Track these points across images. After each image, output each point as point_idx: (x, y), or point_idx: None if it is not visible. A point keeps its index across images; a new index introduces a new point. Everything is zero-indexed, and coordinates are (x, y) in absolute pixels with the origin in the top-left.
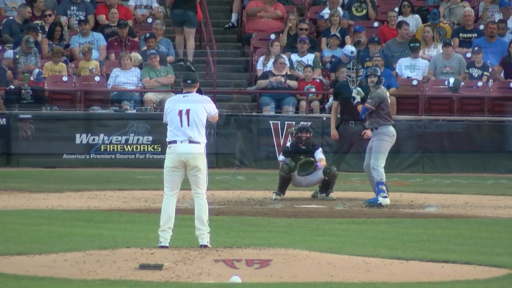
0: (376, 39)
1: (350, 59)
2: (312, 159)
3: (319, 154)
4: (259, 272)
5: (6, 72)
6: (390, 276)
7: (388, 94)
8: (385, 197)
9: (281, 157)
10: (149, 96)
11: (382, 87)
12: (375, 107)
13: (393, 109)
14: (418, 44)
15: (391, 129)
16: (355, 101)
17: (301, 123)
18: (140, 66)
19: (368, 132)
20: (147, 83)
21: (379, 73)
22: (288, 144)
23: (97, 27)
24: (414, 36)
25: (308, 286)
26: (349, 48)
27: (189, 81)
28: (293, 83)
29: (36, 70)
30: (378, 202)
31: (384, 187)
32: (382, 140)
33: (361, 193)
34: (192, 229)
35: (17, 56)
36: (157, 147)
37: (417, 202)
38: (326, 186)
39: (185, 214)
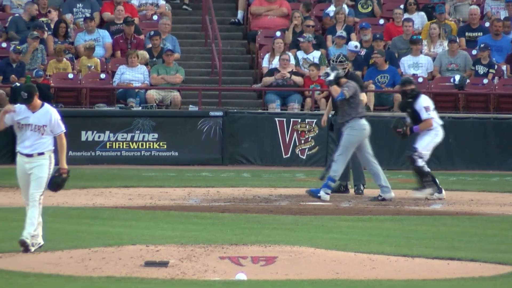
0: (378, 36)
1: (355, 53)
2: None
3: (423, 114)
4: (264, 269)
5: (13, 69)
6: (396, 273)
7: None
8: (328, 194)
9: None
10: (151, 93)
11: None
12: (349, 96)
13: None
14: (419, 37)
15: (362, 121)
16: (327, 79)
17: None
18: (147, 64)
19: None
20: (154, 79)
21: (336, 70)
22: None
23: (103, 24)
24: (419, 33)
25: (313, 283)
26: (353, 43)
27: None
28: (298, 79)
29: (36, 69)
30: (319, 195)
31: (332, 184)
32: (351, 135)
33: (366, 190)
34: (196, 227)
35: (19, 48)
36: (162, 144)
37: (422, 199)
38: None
39: (190, 211)
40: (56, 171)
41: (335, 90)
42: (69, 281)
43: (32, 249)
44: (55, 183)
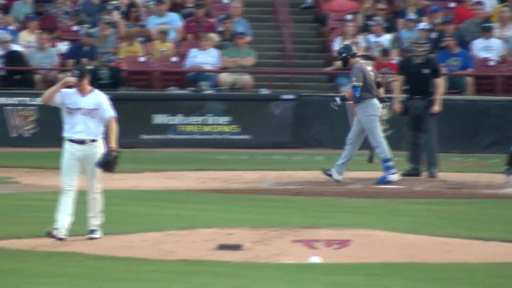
0: (448, 19)
1: (426, 32)
2: None
3: None
4: (338, 253)
5: (84, 52)
6: (470, 257)
7: (370, 67)
8: (394, 173)
9: None
10: (222, 76)
11: (361, 60)
12: (362, 82)
13: (471, 90)
14: (490, 25)
15: (375, 101)
16: (338, 102)
17: None
18: (217, 47)
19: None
20: (225, 62)
21: (347, 49)
22: None
23: (174, 7)
24: (489, 17)
25: (387, 266)
26: (423, 24)
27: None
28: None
29: (108, 53)
30: (388, 179)
31: (391, 163)
32: (369, 116)
33: (440, 174)
34: (269, 210)
35: (90, 31)
36: (235, 127)
37: (496, 183)
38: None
39: (262, 194)
40: (106, 150)
41: (350, 94)
42: (142, 264)
43: (99, 235)
44: (106, 161)
